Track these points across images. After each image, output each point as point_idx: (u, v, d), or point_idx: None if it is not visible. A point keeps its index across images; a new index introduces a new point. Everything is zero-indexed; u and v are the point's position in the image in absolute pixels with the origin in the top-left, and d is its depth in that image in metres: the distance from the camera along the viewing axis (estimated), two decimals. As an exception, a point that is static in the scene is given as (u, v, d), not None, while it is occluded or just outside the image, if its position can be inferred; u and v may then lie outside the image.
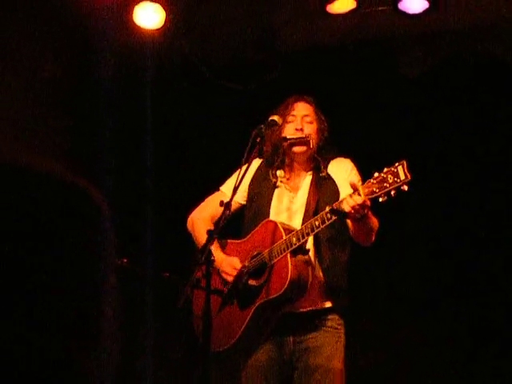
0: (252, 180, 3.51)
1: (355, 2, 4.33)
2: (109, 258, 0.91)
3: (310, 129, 3.43)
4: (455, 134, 4.81)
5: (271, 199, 3.43)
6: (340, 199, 3.07)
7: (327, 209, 3.05)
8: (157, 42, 4.74)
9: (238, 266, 3.30)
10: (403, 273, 4.80)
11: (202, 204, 3.63)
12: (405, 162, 2.87)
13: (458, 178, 4.78)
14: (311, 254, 3.24)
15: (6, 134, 4.28)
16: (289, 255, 3.15)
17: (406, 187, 2.86)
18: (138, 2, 4.44)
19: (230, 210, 3.10)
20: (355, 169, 3.42)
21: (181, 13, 4.61)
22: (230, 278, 3.30)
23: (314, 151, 3.44)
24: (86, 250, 0.88)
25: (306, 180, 3.45)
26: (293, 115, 3.46)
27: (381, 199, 2.90)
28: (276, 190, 3.46)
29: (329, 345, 3.26)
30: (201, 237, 3.45)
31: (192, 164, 5.13)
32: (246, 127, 3.44)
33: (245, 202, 3.53)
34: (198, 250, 3.40)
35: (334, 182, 3.38)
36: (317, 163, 3.45)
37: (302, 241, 3.12)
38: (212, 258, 2.96)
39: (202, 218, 3.57)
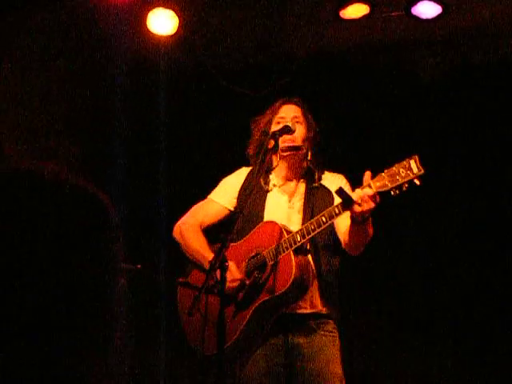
0: (242, 187, 3.46)
1: (368, 8, 4.33)
2: (117, 262, 0.91)
3: (299, 129, 3.38)
4: (469, 138, 4.79)
5: (264, 203, 3.39)
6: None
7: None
8: (170, 48, 4.75)
9: (238, 276, 3.24)
10: (402, 274, 4.79)
11: (190, 211, 3.58)
12: (417, 157, 2.86)
13: (470, 182, 4.77)
14: (310, 259, 3.23)
15: (15, 138, 4.30)
16: (292, 254, 3.11)
17: (418, 181, 2.84)
18: (152, 9, 4.46)
19: (241, 215, 3.10)
20: (347, 183, 3.37)
21: (194, 19, 4.62)
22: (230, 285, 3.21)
23: (307, 158, 3.41)
24: (94, 254, 0.88)
25: (300, 187, 3.42)
26: (281, 117, 3.42)
27: (392, 193, 2.88)
28: (269, 195, 3.42)
29: (327, 349, 3.22)
30: (193, 243, 3.45)
31: (205, 169, 5.14)
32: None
33: (232, 209, 3.48)
34: (194, 256, 3.42)
35: (329, 191, 3.33)
36: (310, 172, 3.41)
37: (307, 237, 3.08)
38: (226, 263, 2.94)
39: (192, 225, 3.51)
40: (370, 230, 3.13)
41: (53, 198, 0.86)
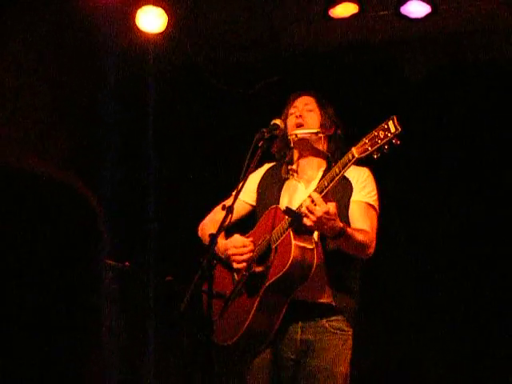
0: (261, 180, 3.47)
1: (357, 7, 4.34)
2: (102, 259, 0.91)
3: (309, 116, 3.38)
4: (457, 137, 4.81)
5: (280, 192, 3.38)
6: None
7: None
8: (159, 46, 4.75)
9: (246, 242, 3.23)
10: (407, 274, 4.80)
11: (214, 210, 3.54)
12: (395, 117, 2.87)
13: (461, 181, 4.79)
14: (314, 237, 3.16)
15: (3, 133, 4.29)
16: (291, 234, 3.08)
17: (398, 141, 2.86)
18: (141, 7, 4.45)
19: (232, 213, 3.08)
20: (372, 177, 3.33)
21: (183, 17, 4.62)
22: (239, 258, 3.22)
23: (324, 147, 3.38)
24: (87, 256, 0.88)
25: (319, 175, 3.37)
26: (294, 107, 3.43)
27: (375, 156, 2.90)
28: (286, 183, 3.40)
29: (334, 348, 3.20)
30: (207, 233, 3.43)
31: (195, 168, 5.14)
32: (249, 130, 3.45)
33: (254, 203, 3.47)
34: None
35: (348, 180, 3.28)
36: (329, 162, 3.35)
37: (299, 212, 3.03)
38: (214, 262, 2.93)
39: (214, 222, 3.46)
40: (357, 239, 3.08)
41: (39, 197, 0.86)
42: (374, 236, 3.21)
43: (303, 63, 4.94)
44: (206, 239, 3.41)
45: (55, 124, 4.78)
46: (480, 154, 4.76)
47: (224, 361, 3.33)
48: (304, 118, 3.38)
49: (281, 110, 3.52)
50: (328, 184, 2.99)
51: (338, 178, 3.00)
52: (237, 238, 3.30)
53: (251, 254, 3.24)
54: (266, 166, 3.52)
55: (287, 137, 3.35)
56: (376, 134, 2.89)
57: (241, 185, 3.12)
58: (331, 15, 4.41)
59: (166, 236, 4.88)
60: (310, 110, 3.41)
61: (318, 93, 3.52)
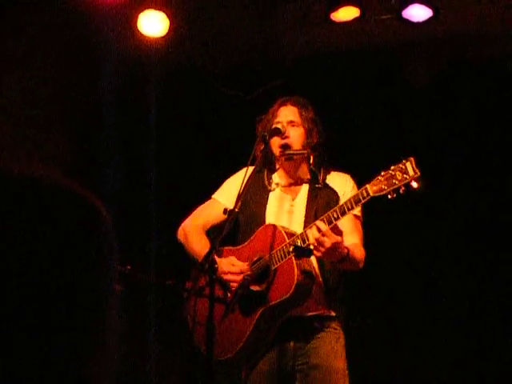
0: (244, 187, 3.40)
1: (359, 11, 4.34)
2: (112, 266, 0.91)
3: (295, 135, 3.33)
4: (460, 140, 4.81)
5: (266, 203, 3.37)
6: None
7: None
8: (161, 50, 4.75)
9: (237, 263, 3.24)
10: (406, 273, 4.80)
11: (194, 213, 3.54)
12: (412, 159, 2.86)
13: (463, 183, 4.79)
14: (312, 258, 3.20)
15: (4, 135, 4.29)
16: (293, 258, 3.09)
17: (415, 184, 2.84)
18: (142, 11, 4.46)
19: (233, 217, 3.07)
20: (355, 184, 3.35)
21: (185, 21, 4.62)
22: (230, 277, 3.22)
23: (309, 161, 3.39)
24: (88, 258, 0.88)
25: (304, 188, 3.38)
26: (278, 121, 3.36)
27: (389, 196, 2.89)
28: (271, 194, 3.39)
29: (329, 344, 3.22)
30: (196, 246, 3.41)
31: (196, 171, 5.14)
32: (249, 134, 3.45)
33: (237, 210, 3.49)
34: (197, 259, 3.37)
35: (333, 190, 3.32)
36: (314, 173, 3.38)
37: (307, 242, 3.05)
38: (215, 265, 2.92)
39: (195, 227, 3.48)
40: (356, 259, 3.13)
41: (43, 202, 0.86)
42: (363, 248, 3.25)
43: (305, 67, 4.94)
44: (193, 244, 3.40)
45: (56, 127, 4.79)
46: (484, 157, 4.76)
47: (220, 372, 3.35)
48: (289, 137, 3.32)
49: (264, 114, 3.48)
50: (338, 216, 2.98)
51: (348, 212, 2.99)
52: (234, 262, 3.27)
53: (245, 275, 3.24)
54: (249, 171, 3.44)
55: (271, 152, 3.31)
56: (393, 173, 2.87)
57: (242, 189, 3.11)
58: (333, 19, 4.40)
59: (167, 239, 4.87)
60: (294, 126, 3.35)
61: (299, 101, 3.43)
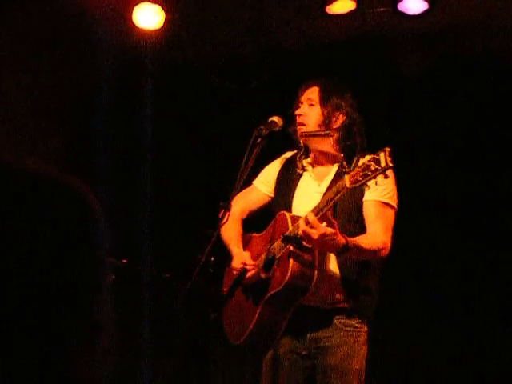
0: (279, 172, 3.45)
1: (355, 3, 4.33)
2: (104, 259, 0.91)
3: (310, 114, 3.30)
4: (454, 132, 4.81)
5: (295, 189, 3.35)
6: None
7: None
8: (156, 43, 4.74)
9: (247, 260, 3.24)
10: (401, 274, 4.80)
11: (234, 199, 3.37)
12: (387, 149, 2.78)
13: (457, 176, 4.79)
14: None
15: (2, 132, 4.28)
16: (292, 248, 3.07)
17: (389, 174, 2.80)
18: (137, 3, 4.44)
19: (230, 210, 3.06)
20: (392, 176, 3.15)
21: (180, 13, 4.61)
22: (236, 273, 3.24)
23: (332, 142, 3.30)
24: (80, 251, 0.88)
25: (332, 171, 3.32)
26: (300, 101, 3.36)
27: (366, 187, 2.90)
28: (301, 179, 3.37)
29: (346, 345, 3.17)
30: (225, 233, 3.37)
31: (191, 164, 5.13)
32: (246, 126, 3.44)
33: (272, 195, 3.46)
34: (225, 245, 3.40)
35: None
36: (344, 157, 3.27)
37: (296, 232, 3.01)
38: (211, 258, 2.93)
39: (232, 213, 3.34)
40: (366, 247, 3.06)
41: (35, 195, 0.86)
42: (389, 236, 3.15)
43: (300, 59, 4.93)
44: (224, 227, 3.28)
45: (51, 122, 4.77)
46: (477, 149, 4.76)
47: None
48: (305, 116, 3.31)
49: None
50: (323, 207, 2.95)
51: (331, 203, 2.95)
52: (246, 259, 3.27)
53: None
54: (286, 156, 3.50)
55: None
56: (368, 164, 2.81)
57: (239, 179, 3.11)
58: (328, 12, 4.40)
59: (163, 233, 4.87)
60: (312, 105, 3.33)
61: (324, 81, 3.39)
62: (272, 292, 3.15)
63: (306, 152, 3.40)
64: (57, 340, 0.84)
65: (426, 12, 4.33)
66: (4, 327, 0.81)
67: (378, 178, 2.80)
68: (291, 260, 3.07)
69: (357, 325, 3.21)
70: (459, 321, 4.71)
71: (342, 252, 2.99)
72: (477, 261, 4.72)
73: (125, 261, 3.34)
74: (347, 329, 3.20)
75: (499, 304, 4.67)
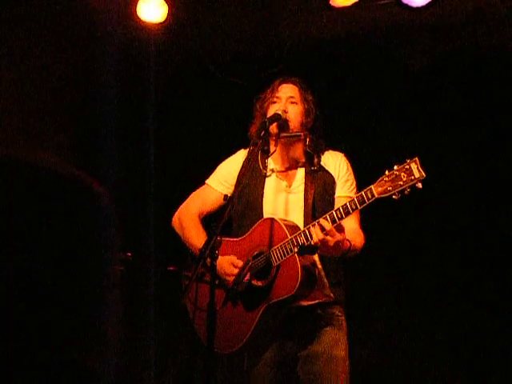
0: (241, 171, 3.31)
1: (358, -4, 4.32)
2: (112, 251, 0.91)
3: (293, 112, 3.33)
4: (458, 126, 4.80)
5: (262, 191, 3.34)
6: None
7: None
8: (160, 36, 4.73)
9: (239, 264, 3.21)
10: (405, 266, 4.80)
11: (188, 199, 3.51)
12: (417, 159, 2.83)
13: (461, 171, 4.78)
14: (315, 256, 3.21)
15: (9, 128, 4.29)
16: (297, 256, 3.07)
17: (420, 185, 2.82)
18: (141, -4, 4.44)
19: (233, 203, 3.06)
20: (349, 164, 3.37)
21: (184, 7, 4.60)
22: (230, 278, 3.20)
23: (305, 143, 3.37)
24: (88, 243, 0.88)
25: (300, 172, 3.36)
26: (277, 97, 3.37)
27: (394, 197, 2.88)
28: (267, 180, 3.37)
29: (331, 332, 3.24)
30: (191, 234, 3.39)
31: (195, 158, 5.13)
32: (250, 121, 3.44)
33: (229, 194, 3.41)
34: (192, 247, 3.35)
35: (329, 173, 3.33)
36: (309, 156, 3.37)
37: (310, 240, 3.03)
38: (216, 252, 2.92)
39: (190, 215, 3.45)
40: (358, 246, 3.17)
41: (46, 189, 0.86)
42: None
43: (304, 53, 4.92)
44: (188, 233, 3.37)
45: (54, 116, 4.78)
46: (481, 144, 4.75)
47: (223, 364, 3.35)
48: (288, 113, 3.31)
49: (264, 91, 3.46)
50: (342, 216, 2.97)
51: (352, 212, 2.98)
52: (235, 262, 3.24)
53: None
54: (242, 155, 3.44)
55: (268, 129, 3.22)
56: (397, 174, 2.85)
57: (241, 175, 3.10)
58: (332, 4, 4.39)
59: (167, 226, 4.87)
60: (293, 103, 3.36)
61: (300, 81, 3.44)
62: (276, 299, 3.12)
63: (268, 151, 3.37)
64: (66, 333, 0.84)
65: (429, 4, 4.32)
66: (16, 318, 0.82)
67: (405, 191, 2.83)
68: (299, 267, 3.06)
69: (338, 313, 3.28)
70: (458, 321, 4.71)
71: (344, 255, 3.07)
72: (477, 261, 4.71)
73: (129, 254, 3.34)
74: (332, 316, 3.26)
75: (499, 303, 4.67)
